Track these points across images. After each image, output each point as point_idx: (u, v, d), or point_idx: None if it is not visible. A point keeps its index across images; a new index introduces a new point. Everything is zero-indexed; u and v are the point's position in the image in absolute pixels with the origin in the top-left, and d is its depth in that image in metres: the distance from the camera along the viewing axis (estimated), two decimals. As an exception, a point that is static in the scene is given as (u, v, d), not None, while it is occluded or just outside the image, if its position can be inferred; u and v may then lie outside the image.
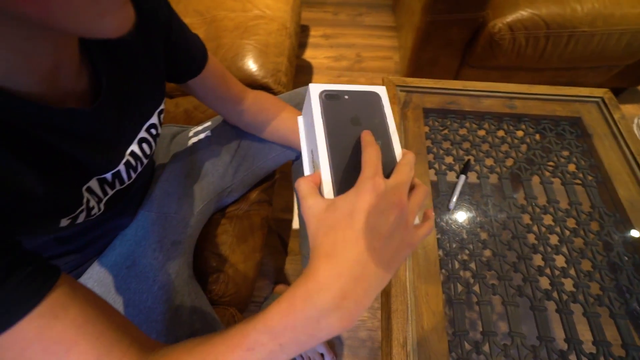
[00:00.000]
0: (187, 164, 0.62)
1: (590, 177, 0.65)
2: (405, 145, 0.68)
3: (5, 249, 0.25)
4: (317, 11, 1.67)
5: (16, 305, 0.24)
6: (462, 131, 0.72)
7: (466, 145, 0.70)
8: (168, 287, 0.49)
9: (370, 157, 0.26)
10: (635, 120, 1.09)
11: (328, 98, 0.31)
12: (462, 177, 0.62)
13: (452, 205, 0.59)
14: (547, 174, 0.66)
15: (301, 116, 0.37)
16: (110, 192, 0.41)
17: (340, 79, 1.37)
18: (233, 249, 0.65)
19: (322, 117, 0.29)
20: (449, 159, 0.68)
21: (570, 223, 0.60)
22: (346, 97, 0.31)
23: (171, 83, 0.49)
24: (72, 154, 0.32)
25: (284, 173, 0.80)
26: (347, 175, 0.28)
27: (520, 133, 0.72)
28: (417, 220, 0.29)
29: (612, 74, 1.11)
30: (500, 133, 0.72)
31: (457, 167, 0.66)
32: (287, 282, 0.93)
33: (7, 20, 0.21)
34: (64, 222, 0.35)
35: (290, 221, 1.02)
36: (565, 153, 0.69)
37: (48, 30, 0.24)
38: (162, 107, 0.47)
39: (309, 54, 1.49)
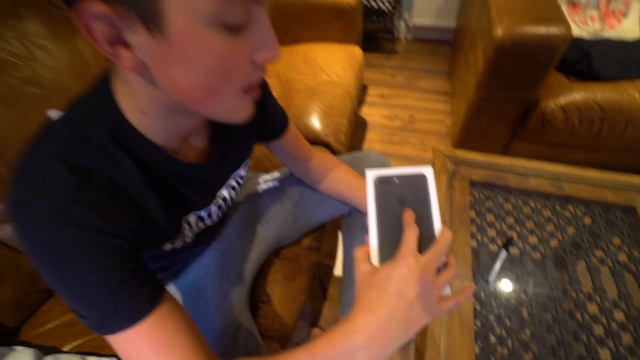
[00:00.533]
0: (256, 207, 0.73)
1: (643, 269, 0.64)
2: (449, 214, 0.73)
3: (142, 266, 0.36)
4: (376, 72, 1.83)
5: (139, 310, 0.34)
6: (507, 206, 0.76)
7: (510, 220, 0.73)
8: (230, 313, 0.58)
9: (408, 236, 0.33)
10: None
11: (381, 183, 0.37)
12: (503, 252, 0.65)
13: (491, 278, 0.62)
14: (595, 260, 0.66)
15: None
16: (202, 226, 0.52)
17: (393, 137, 1.47)
18: (282, 287, 0.73)
19: (374, 201, 0.37)
20: (492, 232, 0.71)
21: (619, 316, 0.59)
22: (396, 180, 0.37)
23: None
24: (183, 194, 0.44)
25: (333, 222, 0.88)
26: (390, 247, 0.35)
27: (567, 214, 0.74)
28: (448, 290, 0.34)
29: (679, 158, 1.07)
30: (547, 212, 0.74)
31: (499, 241, 0.69)
32: (322, 327, 0.98)
33: (178, 109, 0.35)
34: (167, 246, 0.46)
35: (332, 267, 1.08)
36: (616, 241, 0.69)
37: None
38: (248, 160, 0.59)
39: (365, 111, 1.62)
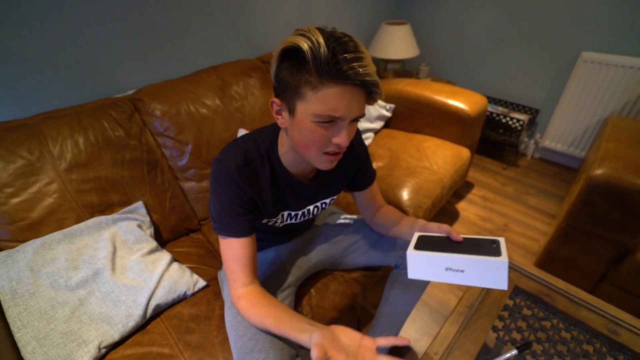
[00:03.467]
0: (330, 231, 0.98)
1: None
2: (479, 302, 0.81)
3: (249, 215, 0.66)
4: (487, 176, 1.92)
5: (240, 232, 0.64)
6: (545, 323, 0.77)
7: (542, 335, 0.75)
8: (289, 287, 0.84)
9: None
10: None
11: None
12: (514, 351, 0.69)
13: (491, 364, 0.68)
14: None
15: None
16: (289, 221, 0.81)
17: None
18: (323, 296, 0.94)
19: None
20: (516, 335, 0.75)
21: None
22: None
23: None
24: (286, 197, 0.73)
25: (385, 279, 1.04)
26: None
27: (611, 359, 0.70)
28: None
29: None
30: (587, 347, 0.73)
31: (519, 344, 0.72)
32: None
33: (296, 152, 0.65)
34: (264, 221, 0.76)
35: (372, 316, 1.20)
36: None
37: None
38: (334, 197, 0.86)
39: (462, 205, 1.72)
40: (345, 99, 0.52)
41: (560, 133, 1.84)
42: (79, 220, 0.94)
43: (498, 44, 1.92)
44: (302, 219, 0.83)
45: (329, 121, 0.55)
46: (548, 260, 1.18)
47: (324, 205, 0.85)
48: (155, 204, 1.09)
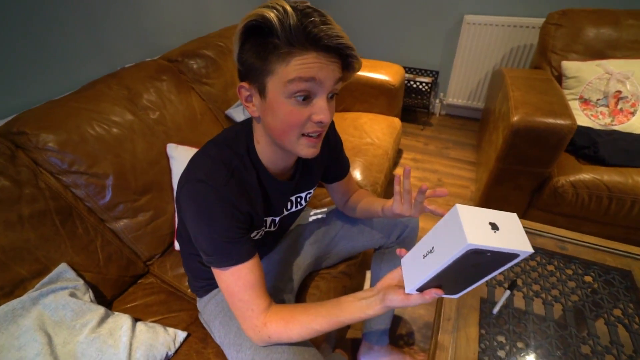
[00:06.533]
0: (307, 231, 0.93)
1: (635, 325, 0.73)
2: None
3: (248, 234, 0.57)
4: (411, 140, 2.08)
5: (243, 257, 0.54)
6: (516, 258, 0.89)
7: (517, 269, 0.86)
8: (288, 302, 0.76)
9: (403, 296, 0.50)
10: None
11: (473, 253, 0.35)
12: (508, 292, 0.78)
13: (495, 310, 0.75)
14: (592, 312, 0.76)
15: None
16: (272, 228, 0.73)
17: (421, 195, 1.65)
18: (318, 299, 0.89)
19: (452, 260, 0.37)
20: (499, 277, 0.84)
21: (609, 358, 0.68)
22: (489, 254, 0.35)
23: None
24: (272, 199, 0.65)
25: (363, 263, 1.04)
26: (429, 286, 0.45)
27: (569, 271, 0.85)
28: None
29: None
30: (550, 267, 0.86)
31: (506, 284, 0.82)
32: (344, 348, 1.08)
33: (275, 143, 0.56)
34: (253, 234, 0.66)
35: (358, 300, 1.21)
36: (612, 298, 0.78)
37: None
38: (311, 191, 0.80)
39: (398, 171, 1.84)
40: (318, 66, 0.47)
41: (459, 89, 2.09)
42: (-22, 315, 0.68)
43: (393, 16, 2.04)
44: (280, 225, 0.76)
45: (305, 97, 0.49)
46: (486, 202, 1.36)
47: (299, 199, 0.78)
48: (83, 260, 0.85)
